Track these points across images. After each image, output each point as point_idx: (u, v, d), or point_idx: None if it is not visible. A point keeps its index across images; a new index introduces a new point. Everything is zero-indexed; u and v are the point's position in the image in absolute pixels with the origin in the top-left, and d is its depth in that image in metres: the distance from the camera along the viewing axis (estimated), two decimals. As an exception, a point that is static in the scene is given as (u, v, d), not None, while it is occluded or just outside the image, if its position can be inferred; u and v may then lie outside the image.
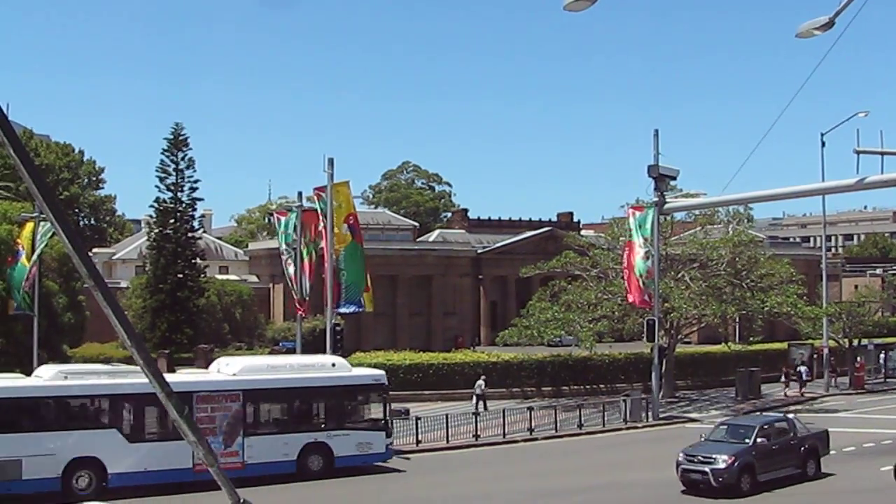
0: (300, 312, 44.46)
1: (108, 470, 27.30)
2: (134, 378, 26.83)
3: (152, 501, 27.50)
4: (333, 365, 32.46)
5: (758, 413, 42.09)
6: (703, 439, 29.30)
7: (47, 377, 28.43)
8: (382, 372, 33.89)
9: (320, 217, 39.72)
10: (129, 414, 28.43)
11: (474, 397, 46.35)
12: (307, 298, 43.95)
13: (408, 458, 34.32)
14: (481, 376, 48.38)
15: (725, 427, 30.10)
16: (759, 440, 27.85)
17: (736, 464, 26.82)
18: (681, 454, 27.87)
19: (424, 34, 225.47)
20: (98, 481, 27.12)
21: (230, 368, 30.84)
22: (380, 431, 31.61)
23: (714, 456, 27.12)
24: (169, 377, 25.26)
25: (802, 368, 56.80)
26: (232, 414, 29.21)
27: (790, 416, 32.09)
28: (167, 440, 26.70)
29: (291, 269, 43.50)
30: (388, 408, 32.02)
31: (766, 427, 28.93)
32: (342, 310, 38.51)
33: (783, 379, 56.16)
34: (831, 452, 31.23)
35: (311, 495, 28.78)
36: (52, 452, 26.70)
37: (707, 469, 26.81)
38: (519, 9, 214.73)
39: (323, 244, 39.60)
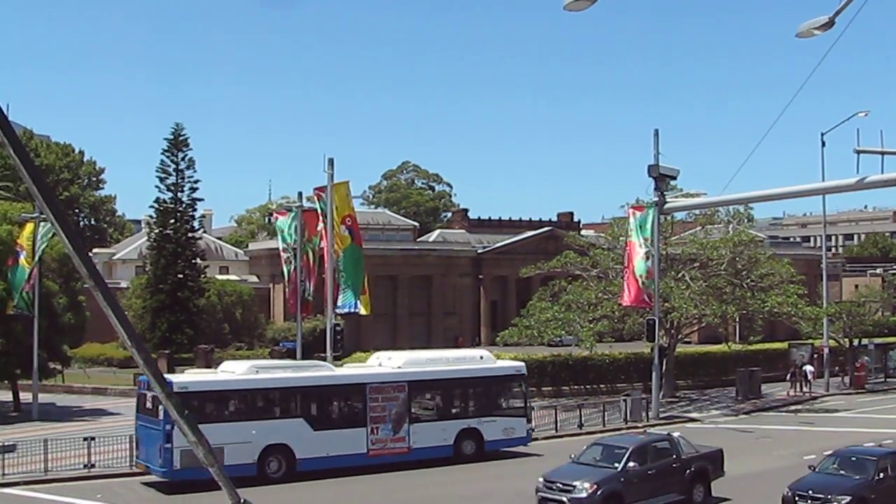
0: (303, 313, 44.34)
1: (296, 455, 30.05)
2: (316, 372, 31.90)
3: (151, 501, 27.53)
4: (481, 358, 35.38)
5: (642, 432, 32.91)
6: (571, 459, 25.75)
7: (240, 372, 30.96)
8: (522, 363, 36.94)
9: (320, 217, 39.72)
10: (313, 404, 31.22)
11: None
12: (311, 299, 43.91)
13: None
14: None
15: (599, 447, 26.07)
16: (630, 464, 24.35)
17: (599, 492, 23.27)
18: (541, 479, 24.39)
19: (424, 34, 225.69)
20: (287, 466, 29.96)
21: (393, 362, 33.42)
22: (521, 417, 34.56)
23: (574, 483, 23.62)
24: (344, 371, 28.79)
25: (808, 368, 56.79)
26: (399, 403, 31.96)
27: (675, 434, 27.62)
28: (345, 428, 30.84)
29: (292, 269, 43.49)
30: (527, 396, 35.36)
31: (640, 448, 25.25)
32: (338, 310, 38.53)
33: (789, 378, 56.28)
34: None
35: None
36: (249, 440, 29.21)
37: (565, 499, 23.35)
38: (519, 8, 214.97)
39: (323, 244, 39.60)
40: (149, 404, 29.13)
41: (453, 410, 33.73)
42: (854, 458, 24.80)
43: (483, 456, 32.88)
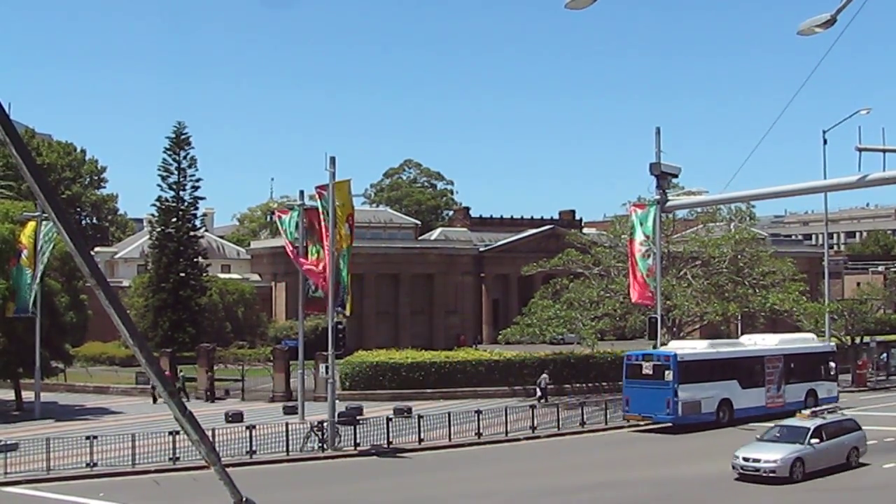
0: (310, 311, 44.12)
1: (733, 406, 41.86)
2: (740, 347, 45.85)
3: (153, 498, 27.58)
4: (813, 338, 49.64)
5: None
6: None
7: (701, 347, 43.73)
8: (833, 344, 52.19)
9: (321, 215, 39.67)
10: (740, 370, 42.99)
11: (538, 390, 48.99)
12: (321, 297, 43.81)
13: (409, 457, 34.40)
14: (545, 370, 51.26)
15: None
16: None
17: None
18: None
19: (426, 32, 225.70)
20: (729, 415, 41.65)
21: (768, 342, 46.53)
22: (833, 382, 47.47)
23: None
24: (754, 347, 46.33)
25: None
26: (779, 370, 44.40)
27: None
28: (755, 387, 43.09)
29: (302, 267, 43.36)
30: (836, 366, 48.10)
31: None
32: (339, 310, 38.43)
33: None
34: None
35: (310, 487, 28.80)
36: (712, 395, 41.19)
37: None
38: (520, 6, 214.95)
39: (325, 243, 39.54)
40: (647, 371, 40.98)
41: (803, 376, 45.53)
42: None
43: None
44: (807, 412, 31.90)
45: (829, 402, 41.64)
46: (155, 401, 51.69)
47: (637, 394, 40.87)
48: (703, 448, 35.98)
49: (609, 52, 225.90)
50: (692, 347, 43.34)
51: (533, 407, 40.85)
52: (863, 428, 31.70)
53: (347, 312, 39.67)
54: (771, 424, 32.85)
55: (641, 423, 41.20)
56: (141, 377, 54.35)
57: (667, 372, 40.04)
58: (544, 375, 49.98)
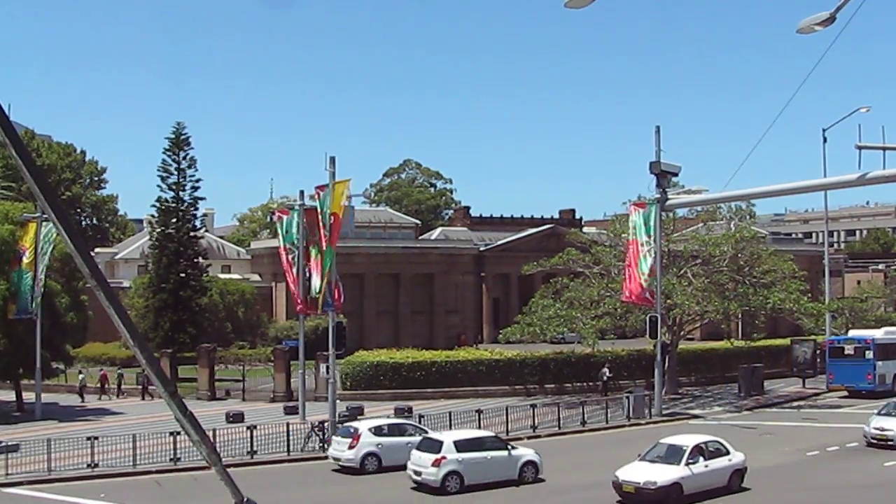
0: (310, 311, 44.13)
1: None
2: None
3: (154, 499, 27.56)
4: None
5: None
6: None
7: (879, 334, 53.30)
8: None
9: (319, 215, 39.66)
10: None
11: (601, 383, 52.37)
12: (318, 297, 43.79)
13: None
14: (605, 365, 53.59)
15: None
16: None
17: None
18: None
19: (426, 31, 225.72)
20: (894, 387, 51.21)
21: (876, 333, 54.03)
22: None
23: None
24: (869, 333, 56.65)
25: None
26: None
27: None
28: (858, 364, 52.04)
29: (296, 268, 43.43)
30: None
31: None
32: (328, 309, 38.34)
33: None
34: (834, 448, 31.14)
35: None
36: (892, 371, 52.01)
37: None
38: (519, 5, 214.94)
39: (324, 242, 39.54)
40: (848, 351, 52.37)
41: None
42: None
43: None
44: None
45: None
46: (143, 397, 52.84)
47: (840, 369, 52.32)
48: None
49: (609, 52, 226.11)
50: (872, 333, 53.86)
51: (533, 406, 40.83)
52: (862, 427, 31.80)
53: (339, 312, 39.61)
54: None
55: (842, 391, 52.41)
56: (141, 377, 54.43)
57: (867, 351, 51.64)
58: (604, 370, 53.10)
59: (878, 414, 35.76)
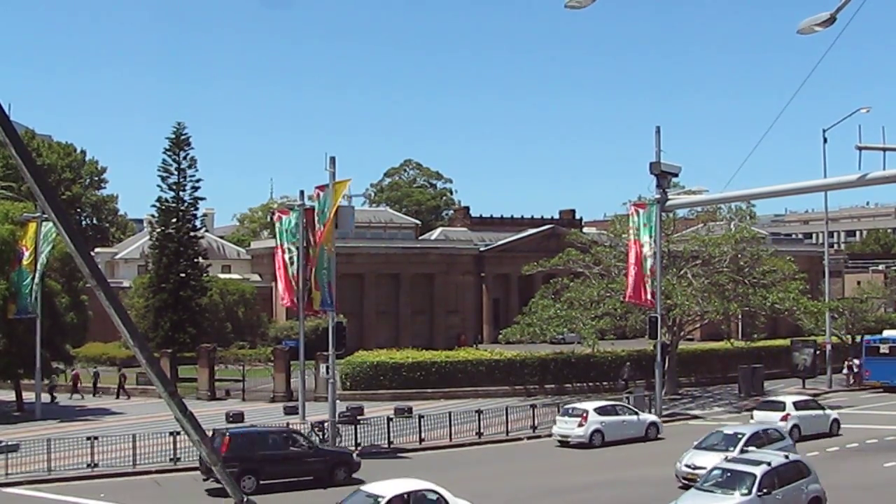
0: (308, 313, 44.04)
1: None
2: None
3: (154, 499, 27.56)
4: None
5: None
6: None
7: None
8: None
9: (316, 216, 39.59)
10: None
11: (622, 382, 52.15)
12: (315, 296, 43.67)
13: (410, 457, 34.38)
14: (627, 363, 53.83)
15: None
16: None
17: None
18: None
19: (425, 32, 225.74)
20: None
21: None
22: None
23: None
24: None
25: (857, 361, 59.36)
26: None
27: None
28: None
29: (295, 268, 43.37)
30: None
31: None
32: (326, 308, 38.29)
33: (845, 372, 60.31)
34: (834, 448, 31.02)
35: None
36: None
37: None
38: (520, 5, 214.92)
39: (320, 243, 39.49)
40: (884, 350, 56.64)
41: None
42: None
43: None
44: None
45: None
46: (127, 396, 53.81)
47: (876, 367, 56.63)
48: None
49: (609, 50, 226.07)
50: None
51: (533, 407, 40.86)
52: (863, 427, 31.67)
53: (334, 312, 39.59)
54: None
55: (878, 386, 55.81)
56: (142, 377, 54.44)
57: None
58: (626, 368, 53.31)
59: (696, 448, 29.02)
